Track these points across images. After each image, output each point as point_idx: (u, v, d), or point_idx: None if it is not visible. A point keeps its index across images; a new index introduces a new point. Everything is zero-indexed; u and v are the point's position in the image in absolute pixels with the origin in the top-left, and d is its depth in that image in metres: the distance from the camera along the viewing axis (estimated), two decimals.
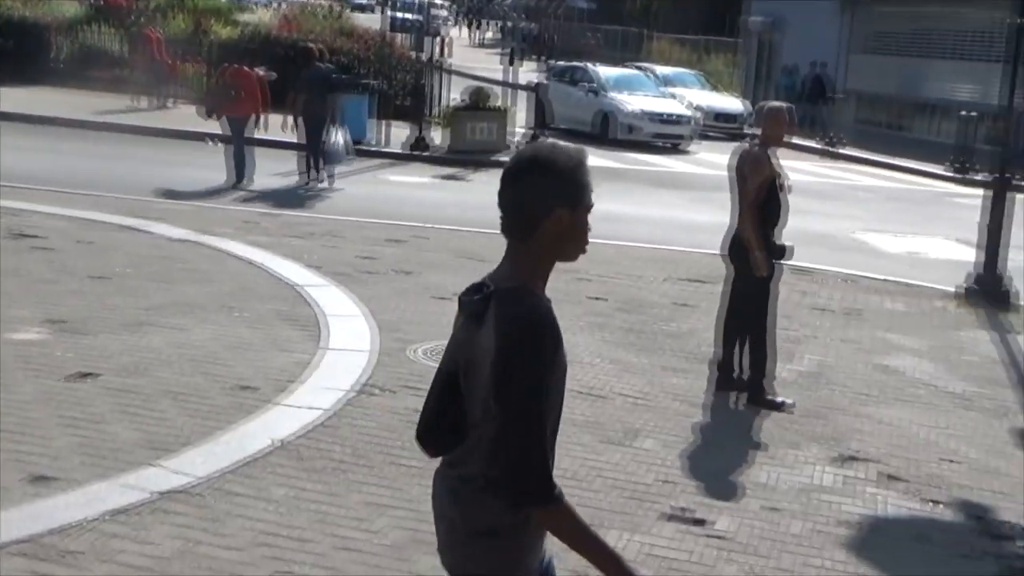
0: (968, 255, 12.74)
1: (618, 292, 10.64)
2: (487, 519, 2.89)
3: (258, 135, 17.36)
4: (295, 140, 17.16)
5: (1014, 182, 12.50)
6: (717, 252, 12.92)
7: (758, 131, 8.06)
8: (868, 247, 14.98)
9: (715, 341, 8.19)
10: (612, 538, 5.54)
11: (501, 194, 2.89)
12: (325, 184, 16.54)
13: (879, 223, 17.04)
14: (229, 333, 8.45)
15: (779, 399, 7.80)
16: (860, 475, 6.72)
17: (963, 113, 24.31)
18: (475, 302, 2.86)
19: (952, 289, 11.74)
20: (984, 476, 6.89)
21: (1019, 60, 11.62)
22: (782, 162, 7.84)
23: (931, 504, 6.41)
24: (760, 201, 7.59)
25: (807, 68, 32.17)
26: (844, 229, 15.91)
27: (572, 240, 2.90)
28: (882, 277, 12.51)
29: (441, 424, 2.98)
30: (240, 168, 16.14)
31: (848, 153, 26.35)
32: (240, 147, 16.27)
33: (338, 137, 16.55)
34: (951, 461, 7.07)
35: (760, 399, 7.79)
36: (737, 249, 7.81)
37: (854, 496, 6.41)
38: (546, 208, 2.83)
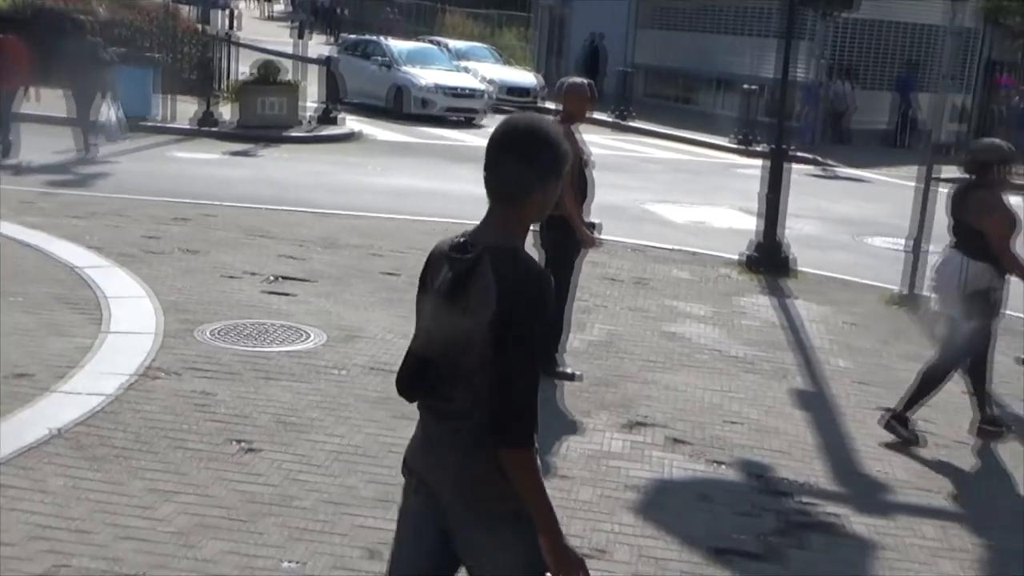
0: (750, 223, 13.19)
1: (411, 267, 10.59)
2: (488, 458, 3.05)
3: (30, 110, 16.59)
4: (67, 115, 16.51)
5: (790, 153, 13.00)
6: None
7: (559, 107, 8.06)
8: (657, 217, 15.37)
9: None
10: None
11: (496, 161, 3.10)
12: (91, 155, 16.03)
13: (667, 194, 17.50)
14: (2, 319, 8.04)
15: (569, 370, 7.92)
16: (648, 440, 6.89)
17: (745, 87, 25.17)
18: (467, 260, 3.04)
19: (735, 257, 12.15)
20: (764, 436, 7.16)
21: (792, 35, 12.05)
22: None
23: (715, 465, 6.62)
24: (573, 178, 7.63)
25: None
26: (634, 200, 16.26)
27: (550, 205, 3.19)
28: (669, 247, 12.85)
29: (427, 377, 3.17)
30: (7, 143, 15.46)
31: (638, 126, 26.98)
32: (7, 121, 15.56)
33: (110, 114, 15.99)
34: (733, 423, 7.31)
35: (551, 370, 7.88)
36: (544, 228, 7.84)
37: (642, 461, 6.56)
38: (541, 177, 3.10)
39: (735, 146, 24.28)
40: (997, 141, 7.67)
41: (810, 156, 23.20)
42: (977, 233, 7.04)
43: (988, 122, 30.76)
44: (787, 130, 12.47)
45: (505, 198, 3.12)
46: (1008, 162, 7.31)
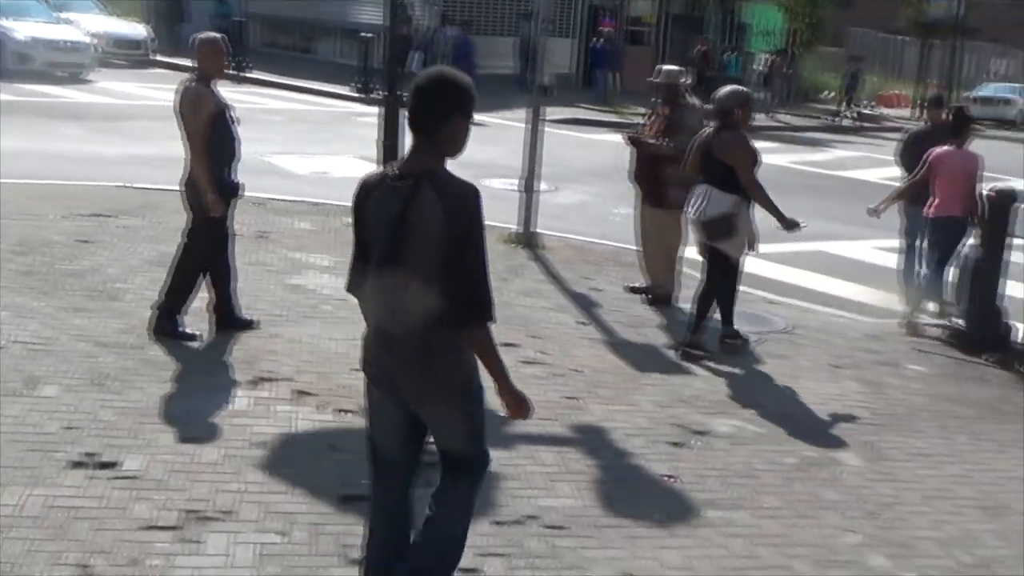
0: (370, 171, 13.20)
1: (12, 233, 9.89)
2: (448, 341, 4.02)
3: None
4: None
5: (405, 99, 13.08)
6: (123, 184, 12.52)
7: (194, 64, 7.59)
8: (278, 169, 15.14)
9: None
10: (13, 495, 5.20)
11: (416, 101, 3.95)
12: None
13: (288, 145, 17.27)
14: None
15: (190, 330, 7.66)
16: (273, 395, 6.78)
17: (363, 34, 25.18)
18: (408, 185, 3.90)
19: None
20: None
21: None
22: None
23: (342, 414, 6.59)
24: (211, 139, 7.28)
25: None
26: (255, 153, 15.80)
27: (460, 141, 4.03)
28: (291, 198, 12.70)
29: (393, 276, 3.96)
30: None
31: (256, 77, 26.42)
32: None
33: None
34: (360, 370, 7.28)
35: (174, 331, 7.61)
36: (191, 189, 7.47)
37: (267, 416, 6.45)
38: (448, 115, 3.93)
39: (355, 94, 24.29)
40: (737, 87, 8.68)
41: None
42: (727, 168, 8.09)
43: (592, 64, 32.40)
44: (399, 76, 12.53)
45: (424, 130, 3.95)
46: (746, 104, 8.34)
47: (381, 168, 4.16)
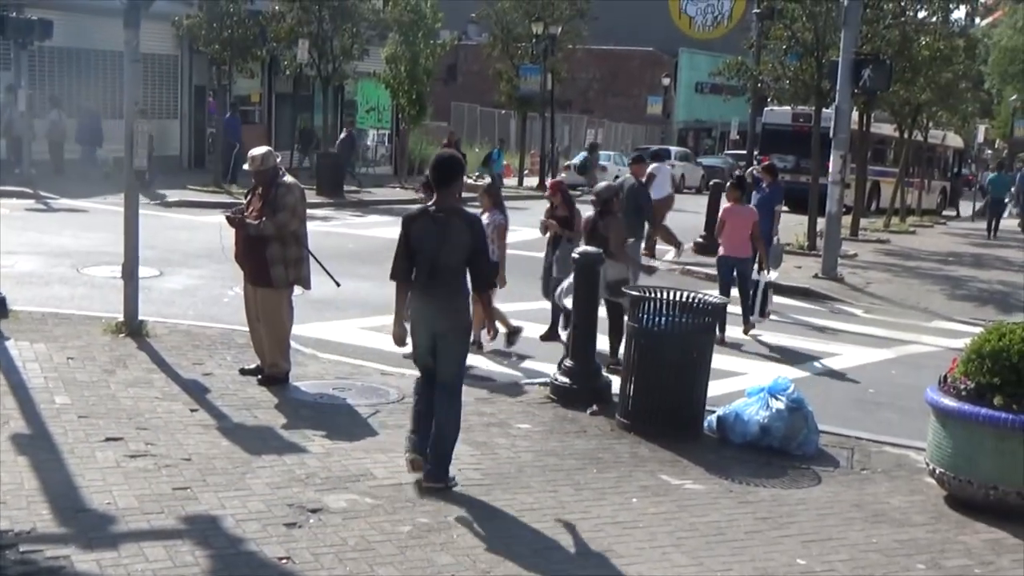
0: None
1: None
2: (464, 302, 7.28)
3: None
4: None
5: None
6: None
7: None
8: None
9: None
10: None
11: (442, 170, 7.22)
12: None
13: None
14: None
15: None
16: None
17: None
18: (444, 216, 7.07)
19: None
20: None
21: None
22: None
23: None
24: None
25: None
26: None
27: (460, 190, 7.39)
28: None
29: (438, 269, 7.16)
30: None
31: None
32: None
33: None
34: None
35: None
36: None
37: None
38: (458, 177, 7.23)
39: None
40: (610, 183, 12.46)
41: (28, 190, 22.52)
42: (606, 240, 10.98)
43: (204, 145, 31.89)
44: None
45: (448, 186, 7.18)
46: (619, 194, 12.01)
47: (419, 207, 7.32)
